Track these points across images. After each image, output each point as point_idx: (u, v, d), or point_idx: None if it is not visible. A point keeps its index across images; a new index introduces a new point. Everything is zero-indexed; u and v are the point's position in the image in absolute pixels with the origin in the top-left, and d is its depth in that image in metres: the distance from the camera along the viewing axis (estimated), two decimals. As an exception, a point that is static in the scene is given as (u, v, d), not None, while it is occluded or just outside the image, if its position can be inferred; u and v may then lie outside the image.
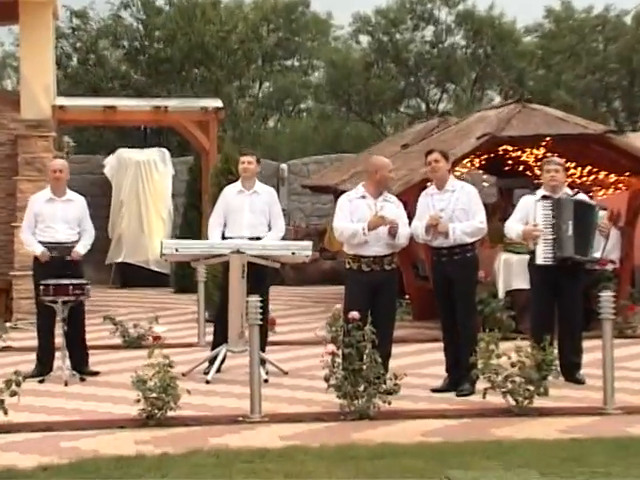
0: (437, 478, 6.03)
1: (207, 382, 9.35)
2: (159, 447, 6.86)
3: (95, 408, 8.31)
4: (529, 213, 9.14)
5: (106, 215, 18.77)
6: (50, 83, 15.19)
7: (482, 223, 8.76)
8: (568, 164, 11.81)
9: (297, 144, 29.97)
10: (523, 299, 11.83)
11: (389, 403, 7.79)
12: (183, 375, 9.36)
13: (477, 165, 13.43)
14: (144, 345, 11.08)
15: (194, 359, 10.25)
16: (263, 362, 9.35)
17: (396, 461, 6.37)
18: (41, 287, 9.55)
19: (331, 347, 7.86)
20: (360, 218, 8.66)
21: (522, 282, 11.89)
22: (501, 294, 12.05)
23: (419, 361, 10.38)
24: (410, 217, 9.01)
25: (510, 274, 12.12)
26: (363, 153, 18.12)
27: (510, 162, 13.79)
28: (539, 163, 13.16)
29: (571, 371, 9.14)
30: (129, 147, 19.99)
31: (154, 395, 7.57)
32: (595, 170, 13.03)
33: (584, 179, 13.04)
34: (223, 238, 9.95)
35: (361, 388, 7.80)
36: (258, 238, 9.92)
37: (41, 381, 9.45)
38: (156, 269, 18.45)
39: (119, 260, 18.72)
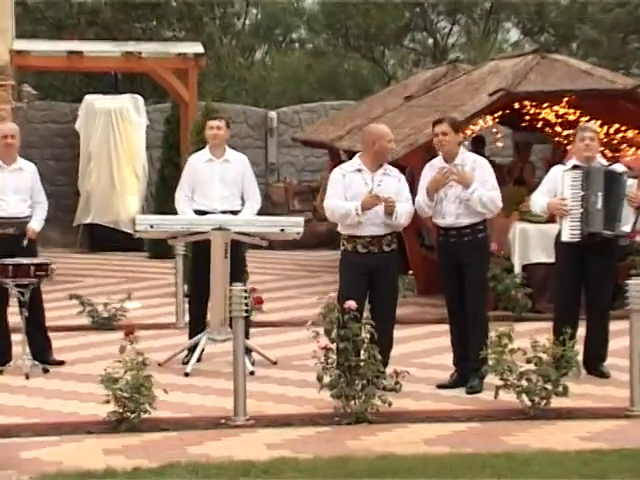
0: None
1: (186, 374, 9.34)
2: (131, 458, 6.82)
3: (59, 408, 8.28)
4: (557, 185, 9.09)
5: (74, 170, 18.70)
6: (8, 26, 15.01)
7: (500, 202, 8.76)
8: (593, 122, 11.72)
9: (288, 84, 29.73)
10: (541, 274, 11.82)
11: (389, 404, 7.75)
12: (159, 365, 9.38)
13: (490, 123, 13.33)
14: (115, 326, 11.09)
15: (172, 345, 10.25)
16: (248, 351, 9.32)
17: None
18: (-5, 268, 9.38)
19: (324, 341, 7.81)
20: (355, 195, 8.54)
21: (540, 255, 11.89)
22: (517, 269, 12.00)
23: (424, 348, 10.38)
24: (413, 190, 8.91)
25: (527, 246, 12.07)
26: (360, 105, 18.00)
27: (527, 118, 13.70)
28: (560, 120, 13.13)
29: (595, 363, 9.15)
30: (98, 93, 19.81)
31: (126, 395, 7.52)
32: (623, 129, 12.96)
33: (611, 138, 12.97)
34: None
35: (358, 387, 7.77)
36: (232, 212, 9.85)
37: (-1, 372, 9.43)
38: (129, 231, 18.37)
39: (88, 221, 18.66)
